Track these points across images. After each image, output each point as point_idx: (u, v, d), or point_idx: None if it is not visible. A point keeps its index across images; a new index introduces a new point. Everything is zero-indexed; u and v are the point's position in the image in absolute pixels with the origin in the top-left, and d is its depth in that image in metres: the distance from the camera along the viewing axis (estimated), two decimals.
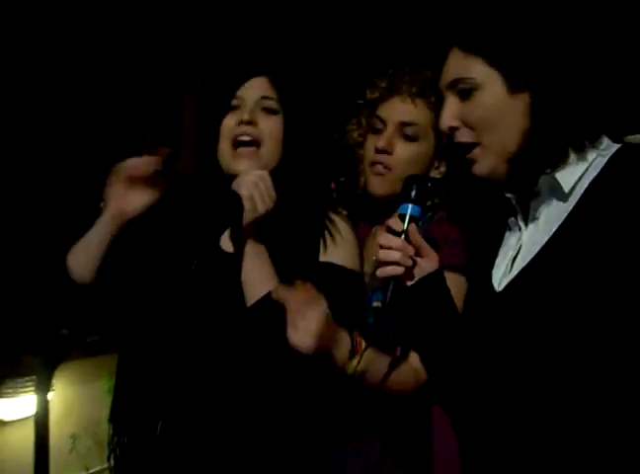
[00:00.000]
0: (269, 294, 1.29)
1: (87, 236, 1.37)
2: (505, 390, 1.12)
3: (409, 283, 1.24)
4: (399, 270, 1.22)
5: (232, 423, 1.35)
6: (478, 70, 1.16)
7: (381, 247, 1.24)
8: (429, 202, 1.46)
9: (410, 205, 1.23)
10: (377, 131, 1.58)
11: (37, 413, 2.63)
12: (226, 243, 1.43)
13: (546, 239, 1.12)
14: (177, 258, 1.43)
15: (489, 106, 1.15)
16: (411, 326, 1.28)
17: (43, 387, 2.64)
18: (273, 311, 1.29)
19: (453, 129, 1.19)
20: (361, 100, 1.66)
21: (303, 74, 1.52)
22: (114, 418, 1.44)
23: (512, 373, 1.11)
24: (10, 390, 2.68)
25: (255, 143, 1.43)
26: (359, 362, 1.27)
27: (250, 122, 1.41)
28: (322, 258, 1.43)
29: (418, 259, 1.24)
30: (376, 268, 1.26)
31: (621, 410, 1.01)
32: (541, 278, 1.10)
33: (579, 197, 1.11)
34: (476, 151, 1.18)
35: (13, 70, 2.65)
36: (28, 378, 2.70)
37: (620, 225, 1.02)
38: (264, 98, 1.44)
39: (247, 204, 1.30)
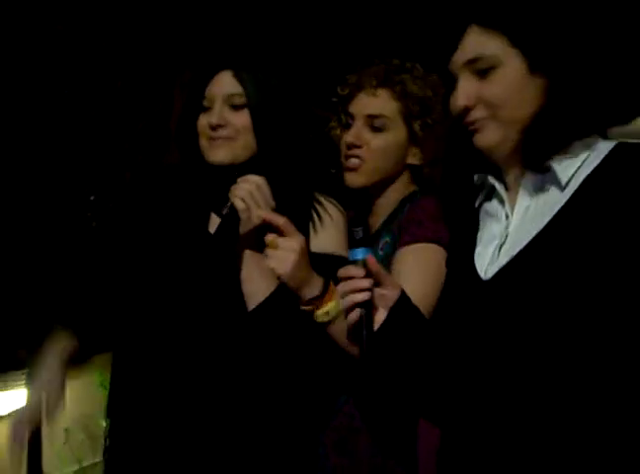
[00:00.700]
0: (269, 298, 1.33)
1: None
2: (496, 381, 1.11)
3: (379, 317, 1.19)
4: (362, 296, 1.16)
5: (226, 418, 1.37)
6: (498, 48, 1.14)
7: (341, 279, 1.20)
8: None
9: (360, 250, 1.18)
10: (348, 127, 1.61)
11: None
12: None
13: (538, 229, 1.11)
14: (171, 254, 1.44)
15: (507, 84, 1.14)
16: (391, 357, 1.24)
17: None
18: (274, 315, 1.33)
19: (468, 109, 1.17)
20: (335, 97, 1.68)
21: (271, 65, 1.51)
22: (111, 414, 1.46)
23: (501, 365, 1.10)
24: (2, 384, 2.68)
25: (228, 139, 1.44)
26: (328, 313, 1.30)
27: (219, 126, 1.43)
28: (313, 244, 1.45)
29: (380, 289, 1.19)
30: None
31: (613, 403, 1.01)
32: (534, 268, 1.09)
33: (574, 190, 1.10)
34: (485, 121, 1.16)
35: None
36: (21, 372, 2.70)
37: (615, 220, 1.02)
38: (231, 94, 1.44)
39: (243, 215, 1.32)
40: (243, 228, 1.34)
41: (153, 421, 1.39)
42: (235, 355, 1.37)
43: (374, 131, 1.57)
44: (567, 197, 1.10)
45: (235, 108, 1.44)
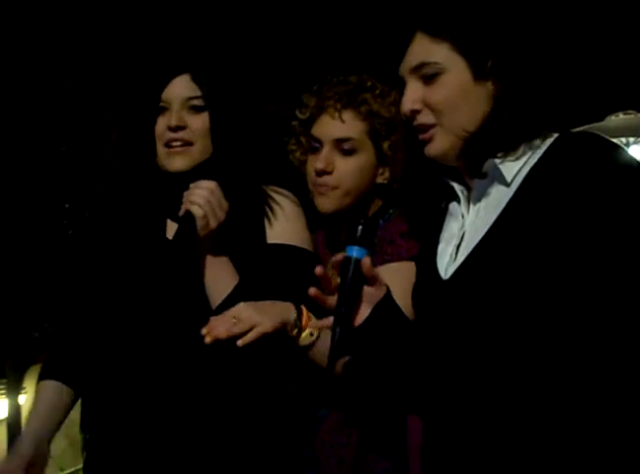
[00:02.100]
0: (231, 295, 1.34)
1: None
2: (462, 378, 1.13)
3: (363, 313, 1.21)
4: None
5: (200, 424, 1.37)
6: (444, 55, 1.17)
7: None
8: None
9: (356, 248, 1.18)
10: (315, 151, 1.57)
11: (9, 416, 2.63)
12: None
13: (488, 226, 1.14)
14: (130, 261, 1.45)
15: (452, 89, 1.16)
16: (371, 353, 1.27)
17: (14, 390, 2.64)
18: None
19: (415, 112, 1.19)
20: (294, 120, 1.64)
21: (228, 67, 1.52)
22: (84, 428, 1.47)
23: (465, 361, 1.12)
24: None
25: (187, 144, 1.45)
26: (311, 334, 1.31)
27: (178, 127, 1.43)
28: (269, 236, 1.47)
29: (368, 288, 1.20)
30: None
31: (568, 392, 1.03)
32: (486, 264, 1.12)
33: (519, 183, 1.13)
34: (433, 131, 1.18)
35: None
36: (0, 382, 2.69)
37: (558, 209, 1.04)
38: (190, 98, 1.45)
39: (200, 222, 1.33)
40: (201, 232, 1.34)
41: (127, 431, 1.40)
42: (205, 359, 1.37)
43: (344, 155, 1.54)
44: (512, 193, 1.13)
45: (194, 110, 1.45)
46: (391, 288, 1.29)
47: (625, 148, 3.02)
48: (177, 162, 1.44)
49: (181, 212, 1.35)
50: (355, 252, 1.16)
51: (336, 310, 1.16)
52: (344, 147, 1.53)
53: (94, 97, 2.87)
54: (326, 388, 1.47)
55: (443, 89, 1.17)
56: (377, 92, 1.57)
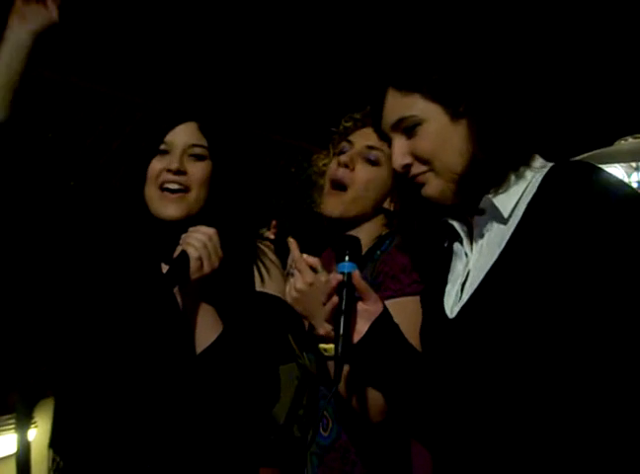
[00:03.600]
0: (216, 342, 1.35)
1: None
2: (470, 413, 1.12)
3: (361, 330, 1.23)
4: (335, 300, 1.21)
5: (178, 454, 1.37)
6: (418, 106, 1.19)
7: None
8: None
9: (347, 264, 1.23)
10: (343, 152, 1.60)
11: (18, 450, 2.62)
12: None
13: (491, 263, 1.14)
14: (121, 301, 1.44)
15: (434, 136, 1.18)
16: (370, 370, 1.28)
17: (24, 424, 2.64)
18: (220, 357, 1.35)
19: (408, 166, 1.21)
20: (335, 129, 1.68)
21: (231, 120, 1.53)
22: (54, 444, 1.45)
23: (472, 398, 1.12)
24: (2, 427, 2.67)
25: (183, 190, 1.45)
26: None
27: (179, 171, 1.43)
28: (260, 289, 1.48)
29: (364, 304, 1.24)
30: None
31: (582, 427, 1.02)
32: (490, 303, 1.12)
33: (518, 219, 1.13)
34: (427, 175, 1.20)
35: None
36: (9, 417, 2.69)
37: (558, 244, 1.04)
38: (194, 145, 1.45)
39: (194, 265, 1.32)
40: (193, 275, 1.34)
41: (99, 459, 1.38)
42: (187, 400, 1.37)
43: (367, 162, 1.57)
44: (512, 230, 1.13)
45: (196, 158, 1.45)
46: (398, 324, 1.29)
47: (636, 173, 2.99)
48: (171, 209, 1.44)
49: (175, 253, 1.35)
50: (345, 268, 1.21)
51: (335, 327, 1.18)
52: (370, 156, 1.56)
53: (103, 131, 2.90)
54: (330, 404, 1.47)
55: (426, 138, 1.18)
56: None
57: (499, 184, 1.16)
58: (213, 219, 1.43)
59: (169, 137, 1.46)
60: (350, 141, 1.60)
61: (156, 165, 1.45)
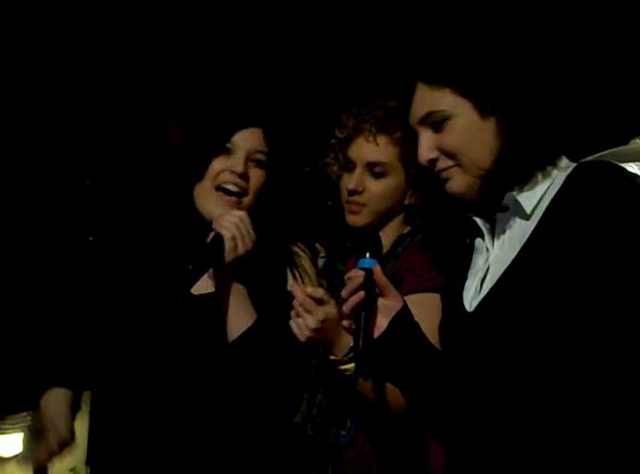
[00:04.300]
0: (250, 329, 1.34)
1: None
2: (488, 408, 1.12)
3: (381, 325, 1.23)
4: (361, 294, 1.21)
5: (216, 461, 1.37)
6: (447, 101, 1.18)
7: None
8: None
9: (367, 260, 1.24)
10: (349, 170, 1.63)
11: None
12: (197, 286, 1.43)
13: (511, 258, 1.14)
14: (154, 299, 1.45)
15: (463, 131, 1.18)
16: (390, 366, 1.28)
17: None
18: (254, 345, 1.34)
19: (433, 160, 1.21)
20: (333, 138, 1.69)
21: (285, 126, 1.56)
22: (90, 460, 1.46)
23: (490, 393, 1.12)
24: (9, 426, 2.68)
25: (240, 194, 1.46)
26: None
27: (243, 175, 1.44)
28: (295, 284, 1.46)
29: (384, 300, 1.24)
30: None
31: (599, 427, 1.02)
32: (509, 297, 1.12)
33: (540, 216, 1.13)
34: (452, 170, 1.20)
35: None
36: (26, 414, 2.69)
37: (579, 242, 1.04)
38: (258, 151, 1.47)
39: (228, 245, 1.32)
40: (228, 257, 1.34)
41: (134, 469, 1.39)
42: (221, 391, 1.38)
43: (375, 177, 1.59)
44: (534, 226, 1.13)
45: (257, 164, 1.47)
46: (418, 319, 1.29)
47: None
48: (222, 209, 1.43)
49: (209, 238, 1.35)
50: (366, 263, 1.22)
51: (355, 322, 1.18)
52: (375, 170, 1.59)
53: (118, 129, 2.91)
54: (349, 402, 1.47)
55: (454, 133, 1.18)
56: None
57: (524, 181, 1.16)
58: (256, 223, 1.42)
59: (235, 138, 1.47)
60: (351, 160, 1.62)
61: (217, 165, 1.46)
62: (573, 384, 1.03)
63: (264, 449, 1.41)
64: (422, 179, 1.31)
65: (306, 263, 1.57)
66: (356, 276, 1.21)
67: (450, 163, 1.19)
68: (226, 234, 1.32)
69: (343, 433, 1.52)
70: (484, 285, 1.20)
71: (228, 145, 1.46)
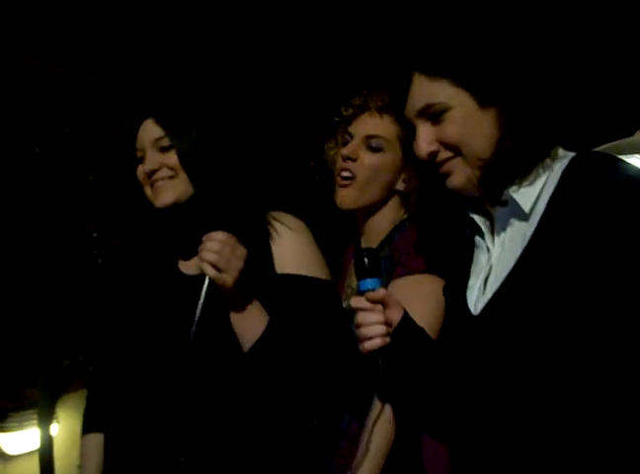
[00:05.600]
0: (263, 336, 1.32)
1: None
2: (495, 412, 1.11)
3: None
4: (381, 341, 1.20)
5: (228, 464, 1.35)
6: (446, 92, 1.16)
7: (358, 326, 1.22)
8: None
9: (369, 281, 1.22)
10: (345, 144, 1.63)
11: (41, 446, 2.63)
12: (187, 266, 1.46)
13: (515, 260, 1.12)
14: (148, 298, 1.46)
15: (462, 122, 1.16)
16: (396, 376, 1.27)
17: (46, 419, 2.64)
18: (270, 352, 1.33)
19: (433, 153, 1.19)
20: (338, 118, 1.70)
21: (188, 105, 1.49)
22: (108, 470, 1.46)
23: (498, 399, 1.11)
24: (14, 424, 2.68)
25: (168, 179, 1.43)
26: None
27: (153, 171, 1.42)
28: (278, 265, 1.43)
29: (386, 311, 1.23)
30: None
31: (605, 430, 1.00)
32: (514, 302, 1.10)
33: (540, 215, 1.11)
34: (453, 162, 1.18)
35: None
36: (31, 412, 2.69)
37: (583, 239, 1.02)
38: (156, 139, 1.43)
39: (218, 281, 1.30)
40: (223, 288, 1.32)
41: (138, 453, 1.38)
42: (239, 400, 1.36)
43: (370, 150, 1.60)
44: (535, 225, 1.11)
45: (164, 150, 1.43)
46: (412, 301, 1.31)
47: None
48: (162, 196, 1.42)
49: (198, 271, 1.34)
50: (368, 284, 1.21)
51: (373, 364, 1.18)
52: (372, 144, 1.60)
53: (122, 126, 2.89)
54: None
55: (453, 125, 1.16)
56: None
57: (524, 175, 1.14)
58: (207, 203, 1.41)
59: (137, 141, 1.47)
60: (350, 133, 1.63)
61: (139, 171, 1.46)
62: (583, 392, 1.01)
63: (271, 442, 1.40)
64: (418, 167, 1.28)
65: (291, 226, 1.51)
66: (365, 309, 1.21)
67: (451, 154, 1.17)
68: (210, 273, 1.29)
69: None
70: (487, 286, 1.18)
71: (137, 153, 1.46)
